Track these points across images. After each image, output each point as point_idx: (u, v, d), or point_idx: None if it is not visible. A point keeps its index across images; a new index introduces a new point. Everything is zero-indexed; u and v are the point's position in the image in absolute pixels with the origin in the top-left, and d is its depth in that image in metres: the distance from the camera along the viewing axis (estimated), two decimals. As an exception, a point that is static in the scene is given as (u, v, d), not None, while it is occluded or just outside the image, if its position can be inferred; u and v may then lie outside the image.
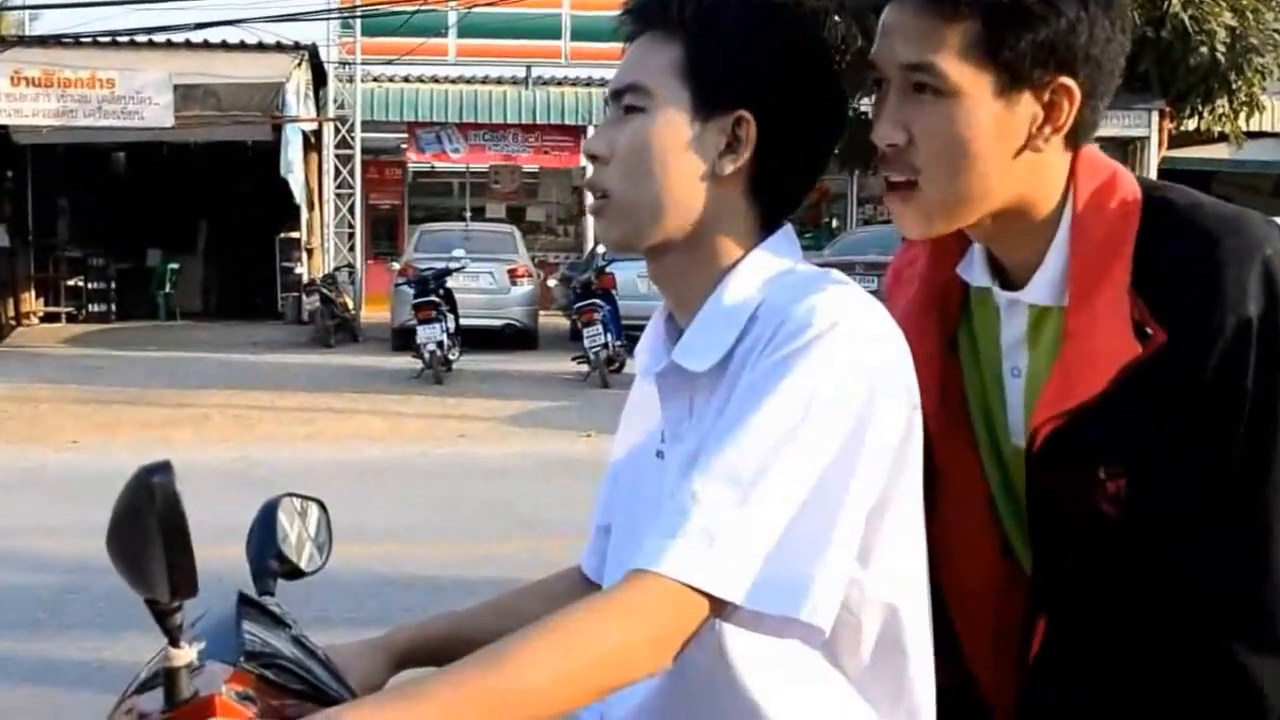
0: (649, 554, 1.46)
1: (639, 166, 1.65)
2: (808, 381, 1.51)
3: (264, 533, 1.94)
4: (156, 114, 21.89)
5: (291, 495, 2.01)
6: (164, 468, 1.42)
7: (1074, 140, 1.70)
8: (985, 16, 1.61)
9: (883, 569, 1.60)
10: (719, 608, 1.47)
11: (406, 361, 18.41)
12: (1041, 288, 1.73)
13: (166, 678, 1.49)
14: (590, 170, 1.73)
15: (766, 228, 1.70)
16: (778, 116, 1.65)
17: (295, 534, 1.98)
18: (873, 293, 1.65)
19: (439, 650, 1.86)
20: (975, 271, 1.83)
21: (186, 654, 1.49)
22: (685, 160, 1.65)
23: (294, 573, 1.96)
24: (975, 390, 1.85)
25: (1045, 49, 1.62)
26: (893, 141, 1.68)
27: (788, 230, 1.73)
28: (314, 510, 2.03)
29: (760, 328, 1.59)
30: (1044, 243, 1.72)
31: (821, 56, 1.72)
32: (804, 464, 1.49)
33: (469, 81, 27.82)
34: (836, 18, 14.92)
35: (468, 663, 1.41)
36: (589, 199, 1.72)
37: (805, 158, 1.71)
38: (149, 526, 1.41)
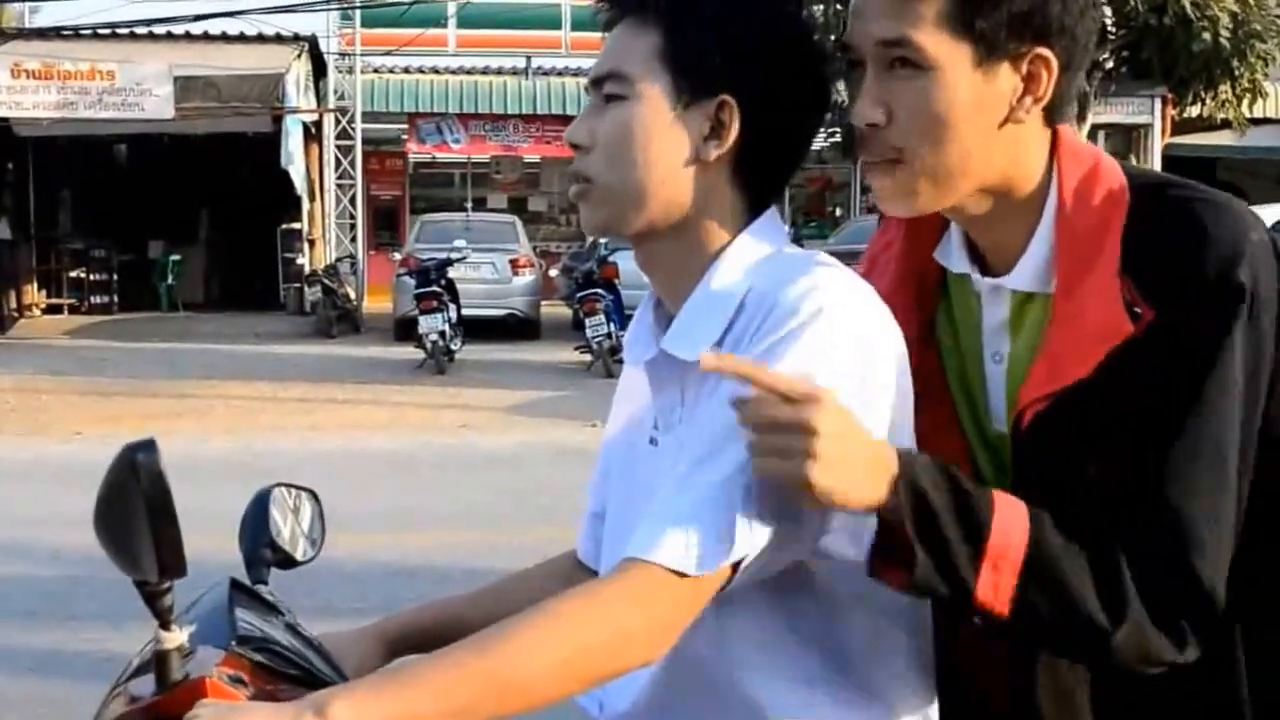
0: (641, 542, 1.46)
1: (622, 155, 1.64)
2: (796, 368, 1.49)
3: (256, 523, 1.94)
4: (157, 106, 21.86)
5: (283, 486, 2.00)
6: (148, 445, 1.42)
7: (1052, 115, 1.70)
8: None
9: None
10: (714, 592, 1.47)
11: (409, 352, 18.39)
12: (1026, 274, 1.72)
13: (157, 660, 1.49)
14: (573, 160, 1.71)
15: (752, 211, 1.69)
16: (761, 100, 1.64)
17: (288, 525, 1.98)
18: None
19: (433, 636, 1.85)
20: (953, 257, 1.81)
21: (177, 637, 1.48)
22: (669, 147, 1.63)
23: (287, 562, 1.96)
24: (956, 375, 1.83)
25: (1021, 19, 1.61)
26: (873, 121, 1.66)
27: (772, 214, 1.71)
28: (306, 500, 2.02)
29: (749, 315, 1.58)
30: (1025, 226, 1.71)
31: (803, 36, 1.70)
32: None
33: (469, 72, 27.80)
34: (838, 5, 14.88)
35: (462, 646, 1.42)
36: (571, 187, 1.71)
37: (790, 140, 1.70)
38: (135, 505, 1.40)
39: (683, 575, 1.44)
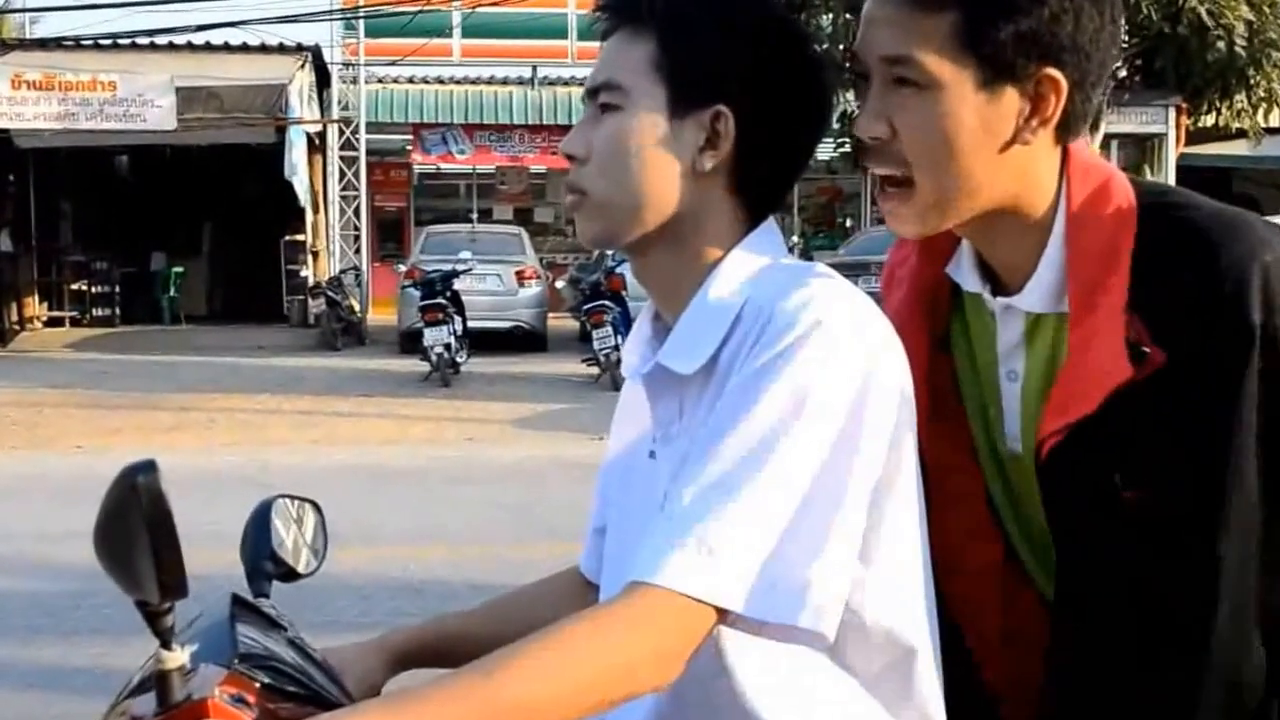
0: (647, 565, 1.45)
1: (616, 165, 1.63)
2: (795, 382, 1.49)
3: (258, 535, 1.94)
4: (159, 117, 21.97)
5: (286, 497, 2.00)
6: (149, 466, 1.42)
7: (1064, 133, 1.67)
8: (965, 7, 1.59)
9: (885, 566, 1.58)
10: (720, 616, 1.46)
11: (414, 364, 18.41)
12: (1037, 295, 1.71)
13: (158, 681, 1.49)
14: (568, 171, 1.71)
15: (751, 222, 1.68)
16: (757, 110, 1.63)
17: (290, 536, 1.98)
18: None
19: (438, 653, 1.88)
20: (965, 275, 1.80)
21: (178, 656, 1.48)
22: (663, 157, 1.63)
23: (289, 575, 1.96)
24: (971, 392, 1.82)
25: (1027, 40, 1.59)
26: (875, 135, 1.66)
27: (770, 225, 1.70)
28: (309, 512, 2.02)
29: (746, 327, 1.57)
30: (1036, 245, 1.70)
31: (799, 46, 1.68)
32: (797, 465, 1.47)
33: (474, 82, 27.94)
34: (847, 15, 14.84)
35: (469, 671, 1.41)
36: (566, 197, 1.71)
37: (787, 150, 1.68)
38: (136, 526, 1.40)
39: (689, 598, 1.43)
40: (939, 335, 1.82)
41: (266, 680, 1.61)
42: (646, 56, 1.63)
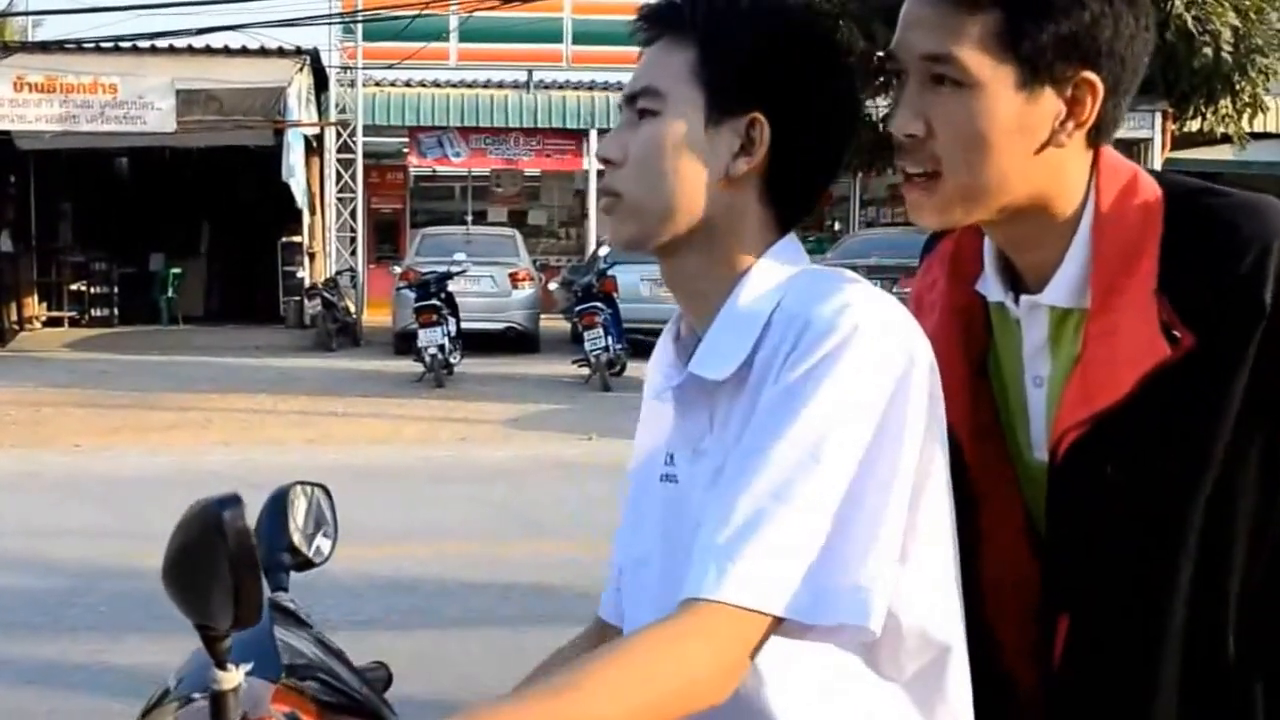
0: (709, 581, 1.47)
1: (652, 169, 1.65)
2: (840, 387, 1.51)
3: (273, 525, 1.95)
4: (159, 119, 21.83)
5: (298, 484, 2.02)
6: (233, 500, 1.43)
7: (1095, 138, 1.69)
8: (1006, 8, 1.60)
9: (919, 564, 1.59)
10: (775, 623, 1.48)
11: (408, 365, 18.38)
12: (1061, 289, 1.71)
13: (214, 701, 1.51)
14: (604, 174, 1.72)
15: (781, 229, 1.70)
16: (791, 117, 1.65)
17: (303, 524, 1.98)
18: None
19: None
20: (988, 283, 1.81)
21: (233, 677, 1.50)
22: (699, 162, 1.65)
23: (305, 564, 1.98)
24: (1004, 409, 1.82)
25: (1068, 42, 1.60)
26: (911, 132, 1.67)
27: (791, 237, 1.72)
28: (320, 496, 2.04)
29: (780, 333, 1.58)
30: (1062, 244, 1.71)
31: (833, 56, 1.72)
32: (846, 469, 1.50)
33: (470, 86, 27.79)
34: (840, 22, 14.89)
35: (534, 691, 1.44)
36: (600, 200, 1.72)
37: (819, 158, 1.70)
38: (217, 561, 1.41)
39: (755, 611, 1.46)
40: (976, 360, 1.82)
41: (312, 692, 1.65)
42: (686, 64, 1.65)
